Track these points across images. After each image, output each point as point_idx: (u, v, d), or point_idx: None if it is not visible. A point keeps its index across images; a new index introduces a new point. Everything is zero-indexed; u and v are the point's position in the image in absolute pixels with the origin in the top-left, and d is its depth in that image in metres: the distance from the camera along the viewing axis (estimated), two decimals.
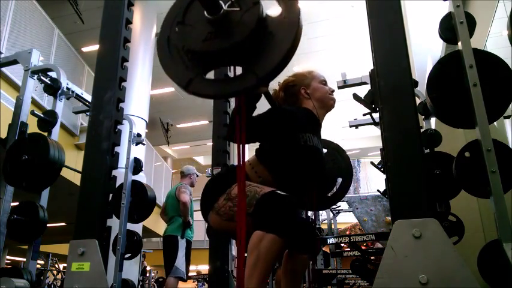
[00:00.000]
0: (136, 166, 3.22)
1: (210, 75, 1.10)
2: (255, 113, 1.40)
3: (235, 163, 1.17)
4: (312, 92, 1.63)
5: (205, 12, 1.01)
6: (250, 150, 1.49)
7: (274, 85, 1.59)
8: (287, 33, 0.99)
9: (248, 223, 1.16)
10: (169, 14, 1.16)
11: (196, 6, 1.08)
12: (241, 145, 1.12)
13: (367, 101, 2.90)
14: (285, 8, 1.02)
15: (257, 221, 1.23)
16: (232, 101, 1.67)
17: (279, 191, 1.30)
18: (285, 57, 0.97)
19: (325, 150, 2.01)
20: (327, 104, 1.65)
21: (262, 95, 1.36)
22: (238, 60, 1.04)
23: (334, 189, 2.06)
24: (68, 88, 2.82)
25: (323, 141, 1.79)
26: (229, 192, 1.40)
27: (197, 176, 4.26)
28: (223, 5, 0.99)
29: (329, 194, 2.05)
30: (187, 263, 3.89)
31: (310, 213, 2.42)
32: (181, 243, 3.80)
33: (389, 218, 4.99)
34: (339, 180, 2.07)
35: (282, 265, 1.55)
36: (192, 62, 1.06)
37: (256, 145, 1.56)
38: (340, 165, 2.05)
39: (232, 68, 1.11)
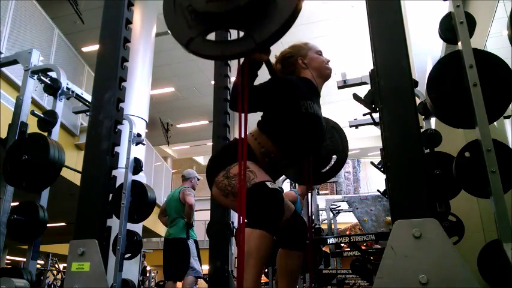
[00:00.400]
0: (136, 166, 3.22)
1: (211, 37, 1.12)
2: (256, 82, 1.43)
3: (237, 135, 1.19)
4: (309, 62, 1.67)
5: None
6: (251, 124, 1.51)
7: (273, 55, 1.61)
8: (289, 1, 1.01)
9: None
10: None
11: None
12: (243, 114, 1.16)
13: (367, 101, 2.90)
14: None
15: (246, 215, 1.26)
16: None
17: (268, 183, 1.33)
18: (284, 25, 1.00)
19: None
20: (324, 73, 1.69)
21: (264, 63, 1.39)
22: (240, 24, 1.06)
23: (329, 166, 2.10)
24: (68, 88, 2.82)
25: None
26: (228, 170, 1.44)
27: (198, 179, 4.31)
28: None
29: (323, 170, 2.08)
30: (200, 261, 3.96)
31: (310, 213, 2.43)
32: (191, 244, 3.90)
33: (389, 218, 4.99)
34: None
35: (277, 265, 1.56)
36: (194, 21, 1.09)
37: (258, 117, 1.60)
38: (336, 142, 2.08)
39: (235, 32, 1.13)
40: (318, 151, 1.70)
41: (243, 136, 1.16)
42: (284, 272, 1.54)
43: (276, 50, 1.58)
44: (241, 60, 1.21)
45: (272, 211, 1.29)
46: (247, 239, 1.22)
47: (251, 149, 1.48)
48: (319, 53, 1.73)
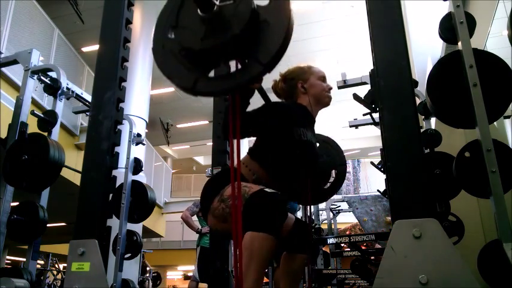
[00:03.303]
0: (136, 166, 3.22)
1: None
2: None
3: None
4: (309, 87, 1.64)
5: (198, 12, 1.02)
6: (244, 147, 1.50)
7: (269, 80, 1.59)
8: (281, 17, 1.01)
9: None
10: (159, 22, 1.16)
11: (187, 8, 1.09)
12: (235, 141, 1.13)
13: (367, 101, 2.90)
14: None
15: (247, 221, 1.24)
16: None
17: (266, 189, 1.31)
18: (284, 41, 0.99)
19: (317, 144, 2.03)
20: (322, 101, 1.66)
21: (256, 90, 1.37)
22: (240, 52, 1.05)
23: (330, 182, 2.08)
24: (68, 88, 2.82)
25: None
26: (222, 193, 1.41)
27: None
28: (215, 1, 1.00)
29: (325, 187, 2.07)
30: (202, 267, 4.15)
31: (309, 213, 2.43)
32: (198, 250, 4.31)
33: (389, 218, 4.99)
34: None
35: (280, 265, 1.56)
36: (192, 63, 1.06)
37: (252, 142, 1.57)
38: (333, 157, 2.07)
39: (233, 63, 1.11)
40: (311, 176, 1.64)
41: (235, 163, 1.14)
42: (287, 273, 1.54)
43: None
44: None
45: (275, 212, 1.26)
46: (251, 242, 1.20)
47: (243, 176, 1.45)
48: (322, 78, 1.69)
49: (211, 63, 1.09)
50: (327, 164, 2.04)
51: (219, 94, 1.14)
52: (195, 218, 4.54)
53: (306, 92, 1.64)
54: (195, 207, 4.34)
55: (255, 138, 1.58)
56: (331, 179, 2.07)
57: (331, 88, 1.69)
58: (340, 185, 2.05)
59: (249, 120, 1.39)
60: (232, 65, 1.12)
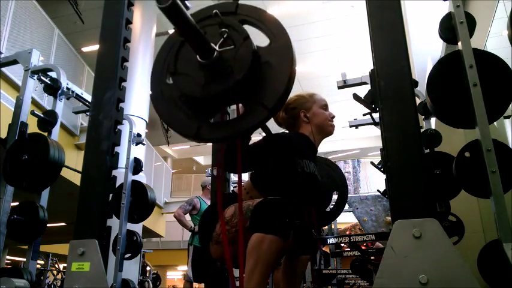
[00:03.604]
0: (136, 166, 3.22)
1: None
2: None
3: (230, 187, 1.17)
4: (312, 117, 1.61)
5: (197, 57, 0.97)
6: None
7: None
8: (283, 58, 0.98)
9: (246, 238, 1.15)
10: (155, 66, 1.12)
11: (185, 53, 1.05)
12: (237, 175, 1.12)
13: (367, 101, 2.90)
14: (273, 35, 1.00)
15: (255, 224, 1.22)
16: None
17: (271, 197, 1.29)
18: (288, 83, 0.96)
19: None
20: (326, 130, 1.63)
21: None
22: (243, 97, 1.01)
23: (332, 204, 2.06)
24: (68, 88, 2.82)
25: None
26: (224, 216, 1.37)
27: None
28: (215, 47, 0.96)
29: (328, 209, 2.04)
30: (197, 267, 4.08)
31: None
32: (190, 249, 4.24)
33: (389, 218, 4.99)
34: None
35: (282, 266, 1.55)
36: (193, 110, 1.02)
37: None
38: (334, 179, 2.04)
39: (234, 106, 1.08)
40: (313, 206, 1.62)
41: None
42: (288, 273, 1.54)
43: None
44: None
45: (285, 214, 1.24)
46: (259, 244, 1.17)
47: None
48: (324, 107, 1.66)
49: (213, 109, 1.06)
50: (328, 186, 2.01)
51: (224, 140, 1.12)
52: (189, 217, 4.53)
53: (308, 121, 1.60)
54: (188, 205, 4.30)
55: None
56: (333, 202, 2.05)
57: (334, 116, 1.66)
58: (343, 208, 2.02)
59: (251, 155, 1.36)
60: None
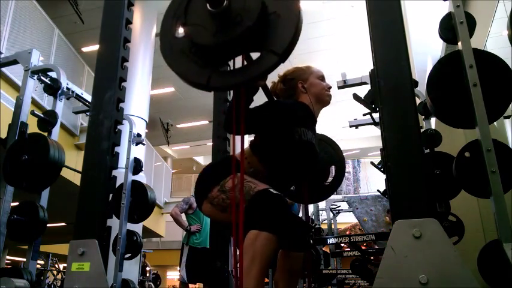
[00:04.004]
0: (136, 166, 3.22)
1: None
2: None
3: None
4: (309, 87, 1.65)
5: (208, 7, 1.02)
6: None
7: (271, 79, 1.60)
8: (291, 8, 1.02)
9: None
10: (164, 23, 1.16)
11: (194, 5, 1.09)
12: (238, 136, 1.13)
13: (367, 101, 2.90)
14: None
15: (250, 220, 1.24)
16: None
17: (272, 190, 1.31)
18: (296, 31, 1.00)
19: None
20: (323, 99, 1.67)
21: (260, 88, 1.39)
22: (253, 45, 1.05)
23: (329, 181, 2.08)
24: (68, 88, 2.82)
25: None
26: (223, 184, 1.41)
27: None
28: None
29: (325, 183, 2.06)
30: (192, 267, 4.04)
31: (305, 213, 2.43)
32: (185, 250, 4.17)
33: (389, 218, 4.99)
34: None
35: (277, 265, 1.56)
36: (204, 60, 1.07)
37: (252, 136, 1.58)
38: (331, 154, 2.07)
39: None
40: (309, 176, 1.65)
41: (237, 156, 1.13)
42: (284, 272, 1.54)
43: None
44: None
45: (280, 214, 1.27)
46: (253, 241, 1.20)
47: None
48: (321, 78, 1.70)
49: (223, 58, 1.09)
50: (325, 162, 2.04)
51: (234, 88, 1.15)
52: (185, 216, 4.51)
53: (306, 91, 1.64)
54: (185, 204, 4.27)
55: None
56: (330, 177, 2.07)
57: (330, 87, 1.70)
58: (340, 182, 2.05)
59: (252, 117, 1.40)
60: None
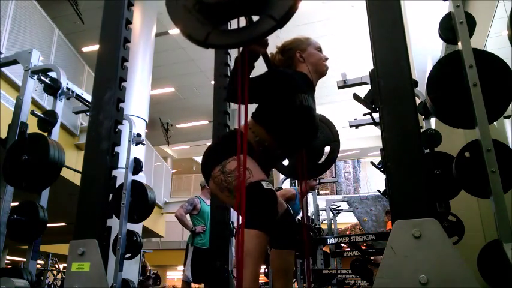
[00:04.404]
0: (136, 166, 3.22)
1: None
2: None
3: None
4: (307, 57, 1.70)
5: None
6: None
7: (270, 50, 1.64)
8: None
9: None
10: None
11: None
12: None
13: (367, 101, 2.90)
14: None
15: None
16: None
17: (264, 183, 1.34)
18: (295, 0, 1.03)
19: None
20: (320, 69, 1.71)
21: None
22: (253, 8, 1.08)
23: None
24: (68, 88, 2.81)
25: None
26: (225, 165, 1.43)
27: None
28: None
29: (320, 162, 2.09)
30: (197, 268, 4.06)
31: (307, 213, 2.43)
32: (190, 250, 4.23)
33: (389, 218, 5.00)
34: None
35: (271, 266, 1.58)
36: (205, 17, 1.10)
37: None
38: (327, 133, 2.09)
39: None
40: (310, 142, 1.72)
41: (242, 129, 1.17)
42: (278, 271, 1.57)
43: (273, 44, 1.62)
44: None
45: (267, 211, 1.30)
46: (245, 239, 1.22)
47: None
48: (319, 49, 1.75)
49: (224, 17, 1.13)
50: (321, 141, 2.06)
51: (231, 47, 1.19)
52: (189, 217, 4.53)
53: (304, 61, 1.69)
54: (190, 205, 4.31)
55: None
56: (325, 156, 2.10)
57: (327, 58, 1.75)
58: (334, 160, 2.07)
59: (254, 86, 1.43)
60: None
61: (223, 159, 1.44)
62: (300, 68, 1.68)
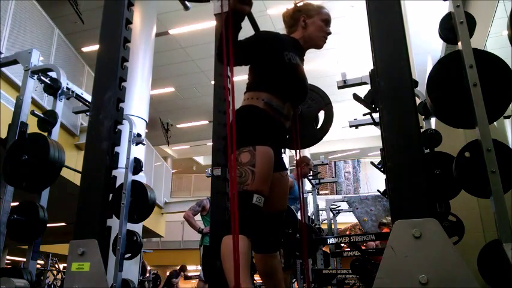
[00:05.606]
0: (136, 166, 3.22)
1: None
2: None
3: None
4: (309, 24, 1.69)
5: None
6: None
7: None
8: None
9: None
10: None
11: None
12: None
13: (367, 101, 2.89)
14: None
15: (227, 224, 1.31)
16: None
17: (255, 196, 1.34)
18: None
19: None
20: (317, 42, 1.71)
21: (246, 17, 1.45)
22: None
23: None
24: (68, 88, 2.81)
25: None
26: (240, 153, 1.41)
27: None
28: None
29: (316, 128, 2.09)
30: (206, 266, 4.17)
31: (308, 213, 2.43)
32: (201, 250, 4.36)
33: (389, 218, 4.99)
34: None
35: (257, 270, 1.60)
36: None
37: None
38: (317, 99, 2.09)
39: None
40: (303, 100, 1.73)
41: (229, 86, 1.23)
42: (266, 274, 1.58)
43: (263, 22, 1.64)
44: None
45: (249, 224, 1.32)
46: (228, 243, 1.25)
47: (254, 107, 1.49)
48: (325, 22, 1.73)
49: None
50: (314, 108, 2.06)
51: None
52: (198, 217, 4.57)
53: (305, 27, 1.68)
54: (198, 206, 4.37)
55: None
56: (321, 122, 2.09)
57: (330, 33, 1.74)
58: (330, 124, 2.06)
59: (241, 47, 1.46)
60: None
61: (244, 143, 1.40)
62: (296, 34, 1.69)
